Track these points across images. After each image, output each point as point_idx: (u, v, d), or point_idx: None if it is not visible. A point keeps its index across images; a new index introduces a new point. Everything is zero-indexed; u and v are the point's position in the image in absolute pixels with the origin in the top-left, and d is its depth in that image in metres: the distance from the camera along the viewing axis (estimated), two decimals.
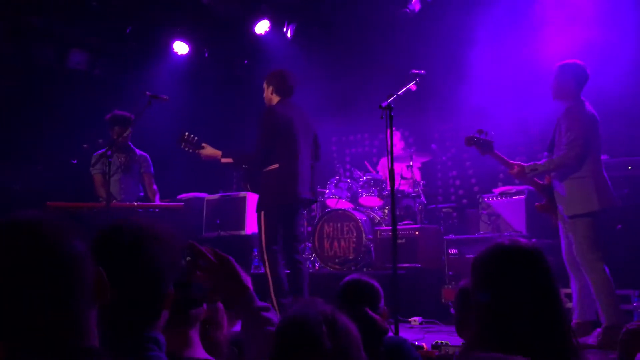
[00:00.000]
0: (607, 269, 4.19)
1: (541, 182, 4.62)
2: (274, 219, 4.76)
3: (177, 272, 1.48)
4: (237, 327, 1.89)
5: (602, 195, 4.28)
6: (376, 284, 2.58)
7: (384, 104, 3.75)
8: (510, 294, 1.56)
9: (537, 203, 4.70)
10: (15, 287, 1.04)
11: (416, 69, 4.17)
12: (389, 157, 3.67)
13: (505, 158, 4.64)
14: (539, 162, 4.47)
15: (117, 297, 1.24)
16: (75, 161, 5.35)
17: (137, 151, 6.05)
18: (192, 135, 5.04)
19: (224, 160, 4.96)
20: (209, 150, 5.00)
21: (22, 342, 1.05)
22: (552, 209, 4.54)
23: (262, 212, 4.79)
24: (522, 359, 1.29)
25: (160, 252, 1.40)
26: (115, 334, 1.30)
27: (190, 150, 5.03)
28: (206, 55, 8.72)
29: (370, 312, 2.40)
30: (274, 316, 1.67)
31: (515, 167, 4.53)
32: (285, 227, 4.84)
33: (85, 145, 5.56)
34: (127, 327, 1.32)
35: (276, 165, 4.80)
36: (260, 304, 1.68)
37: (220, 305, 1.78)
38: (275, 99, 5.01)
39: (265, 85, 5.09)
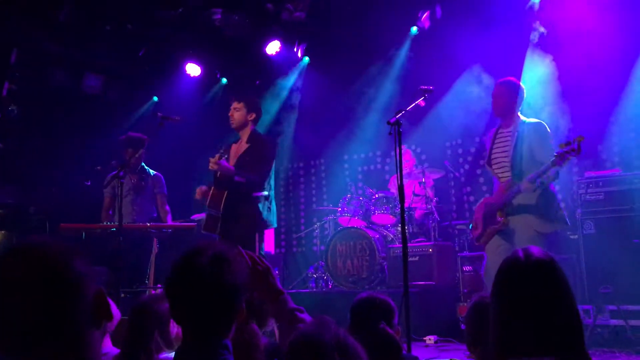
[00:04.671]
0: None
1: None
2: (260, 241, 5.04)
3: (248, 291, 1.72)
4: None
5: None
6: (390, 301, 2.56)
7: (391, 120, 3.72)
8: (527, 303, 1.53)
9: (499, 218, 4.44)
10: (21, 306, 1.12)
11: (425, 85, 4.14)
12: (398, 173, 3.64)
13: None
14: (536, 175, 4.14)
15: (202, 313, 1.54)
16: (89, 183, 5.38)
17: (151, 172, 6.08)
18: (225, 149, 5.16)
19: (237, 178, 5.00)
20: (226, 164, 5.04)
21: (25, 356, 1.13)
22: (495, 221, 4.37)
23: (258, 235, 4.95)
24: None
25: (236, 274, 1.60)
26: (198, 343, 1.54)
27: (223, 156, 5.05)
28: (218, 76, 8.80)
29: (387, 327, 2.37)
30: (307, 317, 1.88)
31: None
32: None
33: (98, 167, 5.59)
34: (208, 337, 1.55)
35: (266, 192, 5.03)
36: (294, 305, 1.90)
37: (256, 327, 1.99)
38: (250, 126, 5.15)
39: (243, 106, 5.11)
